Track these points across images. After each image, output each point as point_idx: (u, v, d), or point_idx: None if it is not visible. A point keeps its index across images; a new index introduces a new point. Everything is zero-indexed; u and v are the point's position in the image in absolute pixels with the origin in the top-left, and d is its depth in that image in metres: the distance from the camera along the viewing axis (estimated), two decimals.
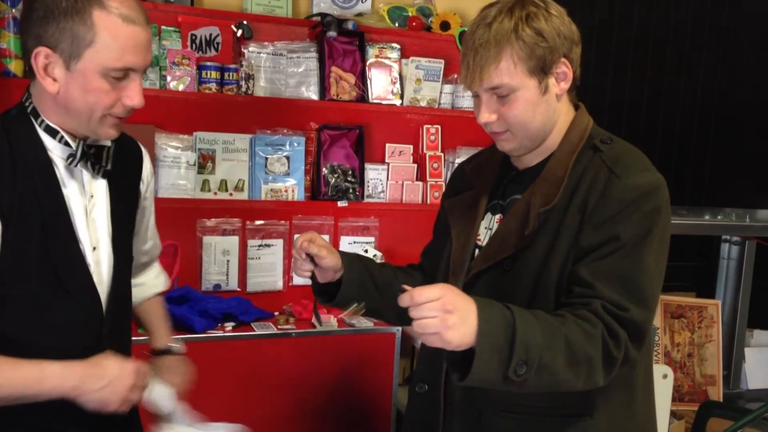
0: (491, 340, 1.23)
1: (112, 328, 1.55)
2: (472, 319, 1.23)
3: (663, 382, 2.37)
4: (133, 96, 1.42)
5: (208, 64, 2.92)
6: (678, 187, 3.99)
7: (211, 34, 2.99)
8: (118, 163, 1.56)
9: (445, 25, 3.35)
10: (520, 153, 1.52)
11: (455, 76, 3.37)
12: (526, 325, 1.26)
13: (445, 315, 1.21)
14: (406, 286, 1.25)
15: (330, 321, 2.89)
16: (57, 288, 1.43)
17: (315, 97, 3.14)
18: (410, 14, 3.33)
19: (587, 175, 1.43)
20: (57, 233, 1.44)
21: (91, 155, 1.48)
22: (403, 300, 1.23)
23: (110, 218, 1.54)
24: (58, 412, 1.45)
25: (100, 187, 1.53)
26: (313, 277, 1.65)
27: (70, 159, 1.45)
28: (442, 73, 3.31)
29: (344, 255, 1.65)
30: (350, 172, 3.19)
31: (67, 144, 1.45)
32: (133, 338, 1.69)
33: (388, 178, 3.27)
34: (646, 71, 4.04)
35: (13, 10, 2.64)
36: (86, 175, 1.50)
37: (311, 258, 1.59)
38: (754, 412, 2.10)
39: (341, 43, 3.19)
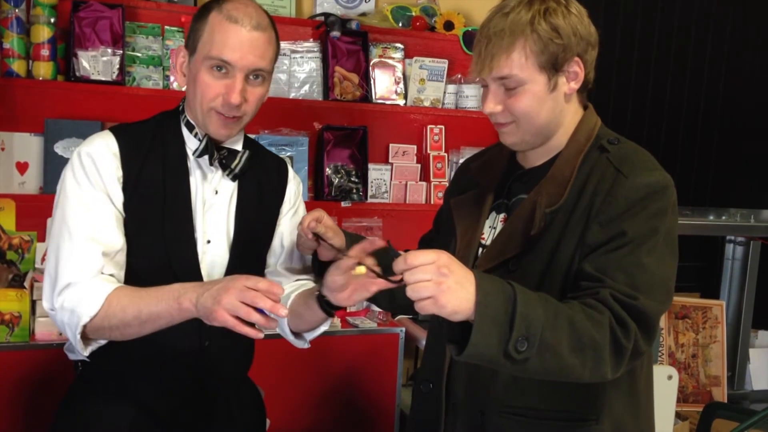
0: (491, 312, 1.20)
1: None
2: (470, 288, 1.20)
3: (668, 383, 2.36)
4: (229, 92, 1.53)
5: None
6: (682, 187, 3.95)
7: None
8: (258, 177, 1.70)
9: (449, 25, 3.34)
10: (522, 148, 1.51)
11: (459, 76, 3.36)
12: (528, 300, 1.24)
13: (440, 278, 1.18)
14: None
15: (333, 321, 2.89)
16: (167, 268, 1.56)
17: (318, 97, 3.13)
18: (414, 14, 3.32)
19: (594, 176, 1.42)
20: (175, 217, 1.58)
21: (222, 156, 1.62)
22: (397, 264, 1.21)
23: (234, 219, 1.65)
24: (149, 387, 1.61)
25: (227, 187, 1.66)
26: (314, 255, 1.66)
27: (195, 151, 1.60)
28: (445, 73, 3.31)
29: (348, 236, 1.65)
30: (354, 173, 3.19)
31: (200, 139, 1.61)
32: None
33: (391, 179, 3.26)
34: (650, 72, 4.03)
35: (17, 10, 2.64)
36: (217, 172, 1.64)
37: (316, 237, 1.59)
38: (759, 413, 2.09)
39: (345, 43, 3.18)
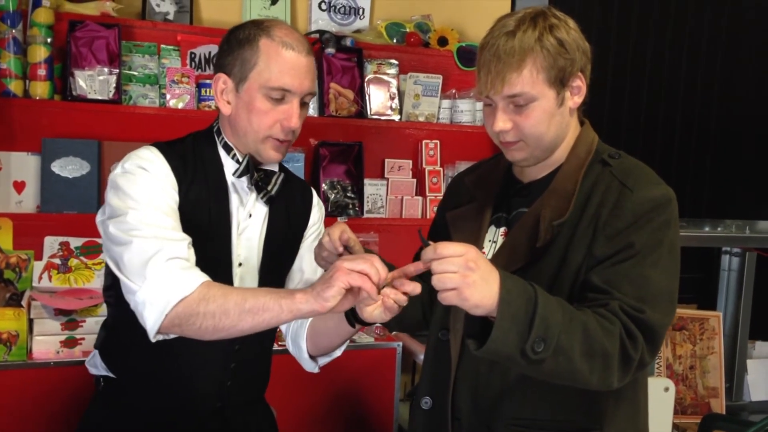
0: (512, 311, 1.24)
1: (243, 345, 1.62)
2: (494, 285, 1.25)
3: (665, 395, 2.36)
4: (289, 118, 1.55)
5: (208, 82, 2.94)
6: (677, 199, 3.97)
7: (210, 53, 3.01)
8: (286, 200, 1.70)
9: (442, 41, 3.37)
10: (529, 164, 1.52)
11: (453, 91, 3.38)
12: (548, 303, 1.28)
13: (467, 271, 1.23)
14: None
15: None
16: None
17: (314, 113, 3.15)
18: (408, 30, 3.35)
19: (598, 189, 1.44)
20: (216, 238, 1.59)
21: (258, 177, 1.61)
22: (427, 253, 1.26)
23: (264, 242, 1.66)
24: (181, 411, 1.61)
25: (261, 210, 1.66)
26: None
27: (236, 171, 1.61)
28: (440, 88, 3.33)
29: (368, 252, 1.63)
30: (350, 188, 3.20)
31: (238, 161, 1.62)
32: None
33: (387, 194, 3.27)
34: (644, 83, 4.05)
35: (14, 31, 2.65)
36: (252, 195, 1.64)
37: (344, 249, 1.55)
38: (757, 424, 2.09)
39: (340, 59, 3.20)
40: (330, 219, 3.10)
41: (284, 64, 1.53)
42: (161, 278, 1.39)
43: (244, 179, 1.62)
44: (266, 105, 1.54)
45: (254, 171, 1.62)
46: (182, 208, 1.55)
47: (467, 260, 1.23)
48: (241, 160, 1.61)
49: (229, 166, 1.63)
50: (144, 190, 1.50)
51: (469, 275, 1.23)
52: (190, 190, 1.57)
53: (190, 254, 1.47)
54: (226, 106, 1.59)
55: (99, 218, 1.56)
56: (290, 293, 1.34)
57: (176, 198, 1.54)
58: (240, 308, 1.36)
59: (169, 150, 1.59)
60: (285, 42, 1.54)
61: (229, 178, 1.62)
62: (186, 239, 1.48)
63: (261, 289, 1.43)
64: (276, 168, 1.67)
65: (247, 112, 1.56)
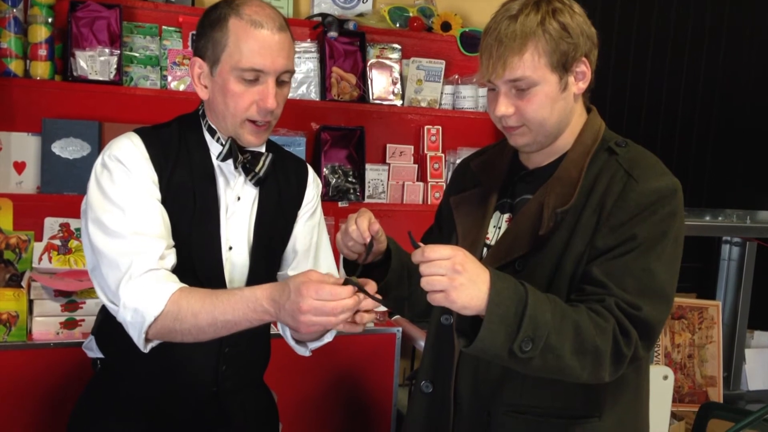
0: (501, 311, 1.25)
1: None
2: (483, 286, 1.25)
3: (663, 383, 2.37)
4: (264, 99, 1.51)
5: None
6: None
7: None
8: (278, 180, 1.66)
9: (446, 26, 3.35)
10: (533, 149, 1.51)
11: (456, 76, 3.37)
12: (538, 303, 1.28)
13: (454, 274, 1.24)
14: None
15: None
16: (191, 273, 1.53)
17: (316, 97, 3.14)
18: (411, 15, 3.33)
19: (603, 177, 1.43)
20: (204, 223, 1.57)
21: (245, 159, 1.58)
22: (415, 256, 1.27)
23: (254, 225, 1.63)
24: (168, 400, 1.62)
25: (250, 193, 1.63)
26: (347, 261, 1.57)
27: (219, 155, 1.58)
28: (443, 73, 3.31)
29: (389, 239, 1.60)
30: (351, 173, 3.19)
31: (223, 144, 1.58)
32: None
33: (388, 179, 3.27)
34: (646, 74, 4.04)
35: (14, 10, 2.64)
36: (239, 178, 1.61)
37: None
38: (754, 413, 2.09)
39: (342, 43, 3.19)
40: (331, 204, 3.10)
41: (254, 44, 1.49)
42: (133, 300, 1.42)
43: (230, 162, 1.59)
44: (240, 87, 1.50)
45: (239, 153, 1.58)
46: (166, 196, 1.53)
47: (454, 263, 1.24)
48: (224, 143, 1.58)
49: (214, 149, 1.60)
50: (121, 190, 1.49)
51: (456, 278, 1.24)
52: (173, 175, 1.55)
53: (166, 261, 1.47)
54: (203, 91, 1.56)
55: (83, 206, 1.56)
56: (256, 313, 1.36)
57: (157, 193, 1.52)
58: (213, 326, 1.40)
59: (151, 136, 1.56)
60: (254, 20, 1.49)
61: (215, 161, 1.60)
62: (159, 245, 1.46)
63: (226, 303, 1.38)
64: (263, 149, 1.64)
65: (222, 95, 1.52)
